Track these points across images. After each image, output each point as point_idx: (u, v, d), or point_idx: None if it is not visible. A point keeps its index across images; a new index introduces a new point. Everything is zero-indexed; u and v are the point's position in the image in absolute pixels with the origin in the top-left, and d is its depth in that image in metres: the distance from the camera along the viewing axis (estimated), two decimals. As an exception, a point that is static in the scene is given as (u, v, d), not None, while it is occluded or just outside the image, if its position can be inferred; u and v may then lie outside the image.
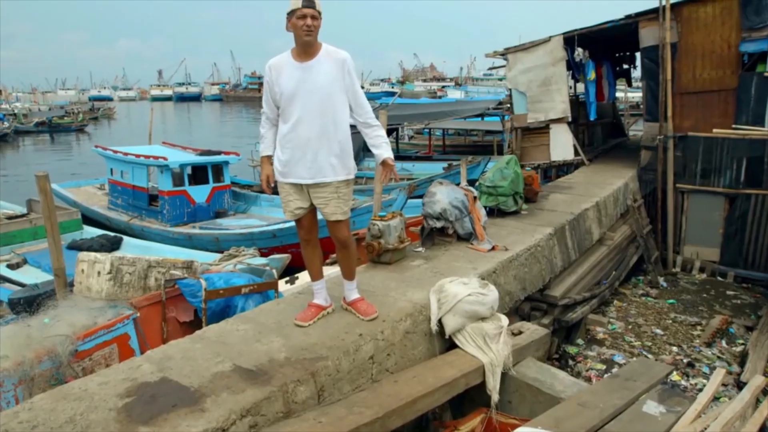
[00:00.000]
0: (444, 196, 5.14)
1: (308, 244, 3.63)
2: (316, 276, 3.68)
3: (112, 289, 4.24)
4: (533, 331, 4.35)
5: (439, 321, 3.82)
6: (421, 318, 3.83)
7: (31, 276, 7.54)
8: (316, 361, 3.10)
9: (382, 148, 3.44)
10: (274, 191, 3.59)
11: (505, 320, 3.91)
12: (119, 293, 4.23)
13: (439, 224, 5.16)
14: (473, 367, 3.60)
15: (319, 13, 3.20)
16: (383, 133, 3.48)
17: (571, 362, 5.80)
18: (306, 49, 3.22)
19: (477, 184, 6.89)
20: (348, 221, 3.54)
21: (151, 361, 3.10)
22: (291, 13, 3.17)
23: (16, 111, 46.39)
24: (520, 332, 4.30)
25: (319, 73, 3.24)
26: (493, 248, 5.10)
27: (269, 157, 3.51)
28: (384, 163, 3.46)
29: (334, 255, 6.98)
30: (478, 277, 4.29)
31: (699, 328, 6.82)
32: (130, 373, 2.97)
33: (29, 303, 4.56)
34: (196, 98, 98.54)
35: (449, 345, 3.91)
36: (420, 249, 5.14)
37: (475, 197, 5.45)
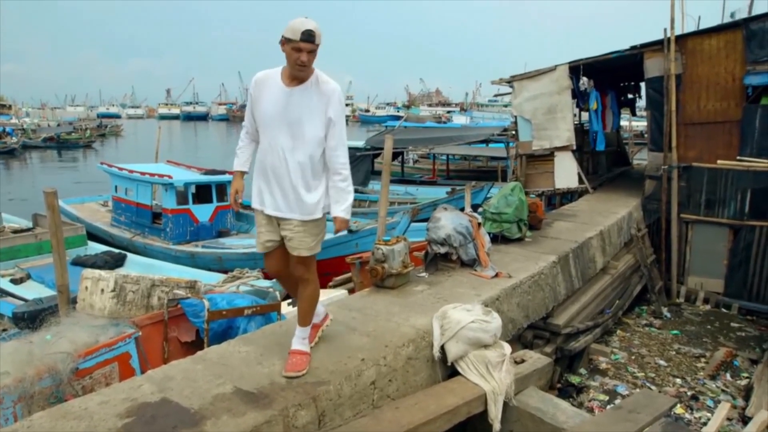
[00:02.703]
0: (448, 222, 5.15)
1: (281, 281, 3.43)
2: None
3: (114, 307, 4.24)
4: (536, 359, 4.33)
5: (442, 347, 3.80)
6: (424, 344, 3.81)
7: (34, 291, 7.54)
8: (317, 386, 3.08)
9: (337, 204, 3.15)
10: (245, 208, 3.51)
11: (507, 348, 3.89)
12: (122, 311, 4.23)
13: (443, 250, 5.17)
14: (475, 395, 3.57)
15: (318, 46, 2.96)
16: (346, 186, 3.15)
17: (573, 392, 5.74)
18: (296, 77, 3.02)
19: (481, 210, 6.91)
20: (313, 259, 3.27)
21: (152, 381, 3.09)
22: (287, 40, 2.91)
23: (25, 126, 46.88)
24: (523, 360, 4.27)
25: (301, 102, 3.02)
26: (496, 275, 5.09)
27: (242, 173, 3.35)
28: (335, 219, 3.17)
29: (338, 277, 7.00)
30: (481, 303, 4.28)
31: (703, 360, 6.76)
32: (130, 392, 2.95)
33: (32, 318, 4.57)
34: (203, 117, 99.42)
35: (451, 372, 3.88)
36: (423, 274, 5.14)
37: (479, 223, 5.47)
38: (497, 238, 6.31)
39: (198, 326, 4.18)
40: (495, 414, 3.59)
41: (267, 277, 6.07)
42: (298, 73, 2.97)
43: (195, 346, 4.29)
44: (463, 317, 3.78)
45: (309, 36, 2.87)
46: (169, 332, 4.20)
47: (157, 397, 2.90)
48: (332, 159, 3.13)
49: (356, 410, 3.23)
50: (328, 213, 3.22)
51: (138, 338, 3.93)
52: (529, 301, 5.19)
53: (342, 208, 3.14)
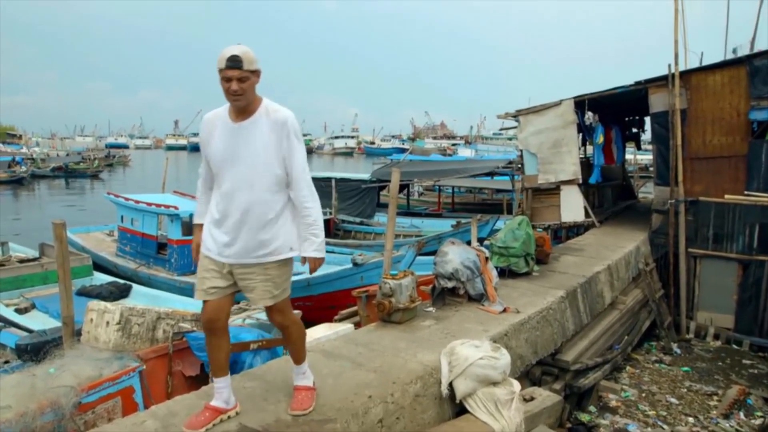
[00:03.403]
0: (456, 256, 5.12)
1: (213, 334, 2.95)
2: (219, 371, 3.01)
3: (119, 340, 4.20)
4: (545, 397, 4.25)
5: (450, 384, 3.74)
6: (432, 381, 3.75)
7: (38, 321, 7.49)
8: (323, 423, 3.02)
9: (306, 243, 2.92)
10: None
11: (517, 386, 3.82)
12: (127, 344, 4.19)
13: (450, 284, 5.13)
14: (484, 434, 3.49)
15: (253, 72, 2.73)
16: (315, 221, 2.93)
17: (583, 431, 5.60)
18: (240, 110, 2.80)
19: (488, 243, 6.88)
20: (285, 302, 3.03)
21: (156, 417, 3.04)
22: (219, 72, 2.72)
23: (34, 155, 47.42)
24: (532, 398, 4.20)
25: (252, 137, 2.79)
26: (504, 310, 5.04)
27: (202, 226, 3.04)
28: (303, 259, 2.96)
29: (343, 311, 6.93)
30: (489, 339, 4.22)
31: (716, 398, 6.61)
32: (133, 429, 2.91)
33: (36, 350, 4.52)
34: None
35: (459, 410, 3.81)
36: (431, 309, 5.09)
37: (486, 258, 5.44)
38: (504, 273, 6.27)
39: (203, 360, 4.13)
40: (505, 454, 3.51)
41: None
42: (235, 104, 2.77)
43: (199, 380, 4.24)
44: (471, 354, 3.73)
45: (234, 62, 2.67)
46: (173, 366, 4.15)
47: (160, 434, 2.85)
48: (295, 196, 2.91)
49: (363, 449, 3.16)
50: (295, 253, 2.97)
51: (142, 372, 3.89)
52: (537, 336, 5.12)
53: (313, 248, 2.92)
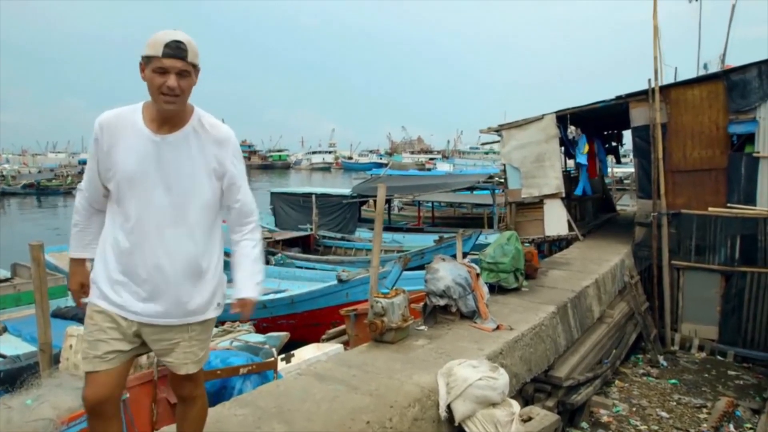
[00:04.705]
0: (447, 273, 5.05)
1: (103, 418, 2.25)
2: None
3: (101, 367, 4.00)
4: (543, 416, 4.16)
5: (448, 406, 3.63)
6: (430, 403, 3.65)
7: (11, 345, 7.17)
8: (322, 453, 2.89)
9: (249, 280, 2.36)
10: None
11: (516, 406, 3.74)
12: (109, 372, 3.99)
13: (442, 302, 5.04)
14: (485, 458, 3.39)
15: (195, 68, 2.15)
16: (260, 253, 2.44)
17: (577, 448, 5.54)
18: (167, 117, 2.17)
19: (475, 258, 6.83)
20: (201, 374, 2.47)
21: (143, 450, 2.87)
22: (147, 60, 2.09)
23: (4, 173, 46.33)
24: (530, 418, 4.11)
25: (183, 157, 2.17)
26: (497, 327, 4.97)
27: (84, 261, 2.41)
28: (241, 301, 2.37)
29: (330, 330, 6.79)
30: (485, 358, 4.14)
31: (705, 410, 6.62)
32: (120, 464, 2.73)
33: (11, 378, 4.30)
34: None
35: (458, 432, 3.71)
36: (423, 327, 4.99)
37: (477, 274, 5.37)
38: (494, 288, 6.21)
39: (190, 386, 3.95)
40: (506, 478, 3.41)
41: (260, 331, 5.87)
42: (166, 108, 2.10)
43: (185, 407, 4.06)
44: (469, 374, 3.64)
45: (177, 49, 2.06)
46: (158, 393, 3.97)
47: (149, 469, 2.69)
48: (241, 225, 2.39)
49: (362, 478, 3.04)
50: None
51: (125, 401, 3.69)
52: (531, 354, 5.05)
53: (258, 287, 2.39)
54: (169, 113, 2.14)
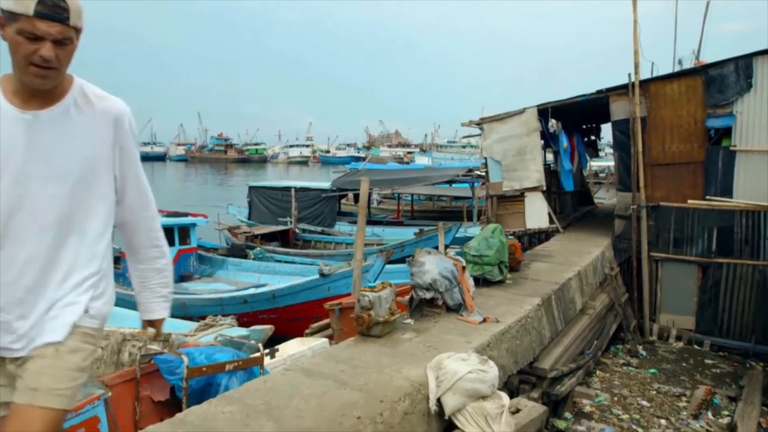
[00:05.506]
0: (434, 266, 5.02)
1: None
2: None
3: (81, 366, 3.89)
4: (531, 408, 4.18)
5: (438, 400, 3.61)
6: (420, 397, 3.61)
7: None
8: (313, 450, 2.84)
9: (156, 298, 2.08)
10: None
11: (506, 398, 3.73)
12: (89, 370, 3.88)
13: (428, 295, 5.01)
14: (476, 451, 3.38)
15: (78, 32, 1.68)
16: (167, 264, 2.11)
17: (561, 439, 5.58)
18: (36, 88, 1.69)
19: (460, 251, 6.82)
20: (63, 416, 1.77)
21: (129, 451, 2.79)
22: (10, 17, 1.59)
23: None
24: (518, 410, 4.11)
25: (65, 138, 1.72)
26: (484, 320, 4.96)
27: None
28: (151, 324, 2.12)
29: (314, 324, 6.72)
30: (473, 351, 4.12)
31: (684, 398, 6.74)
32: (104, 465, 2.65)
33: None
34: (161, 158, 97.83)
35: (447, 426, 3.68)
36: (409, 320, 4.96)
37: (463, 267, 5.36)
38: (478, 281, 6.20)
39: (174, 384, 3.87)
40: (497, 471, 3.40)
41: (243, 324, 5.78)
42: (36, 82, 1.65)
43: (169, 405, 3.97)
44: (459, 368, 3.61)
45: (56, 8, 1.59)
46: (141, 391, 3.87)
47: (135, 470, 2.61)
48: (140, 223, 1.99)
49: (354, 474, 2.99)
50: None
51: (107, 399, 3.59)
52: (517, 346, 5.06)
53: (165, 305, 2.10)
54: (41, 88, 1.68)
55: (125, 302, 10.23)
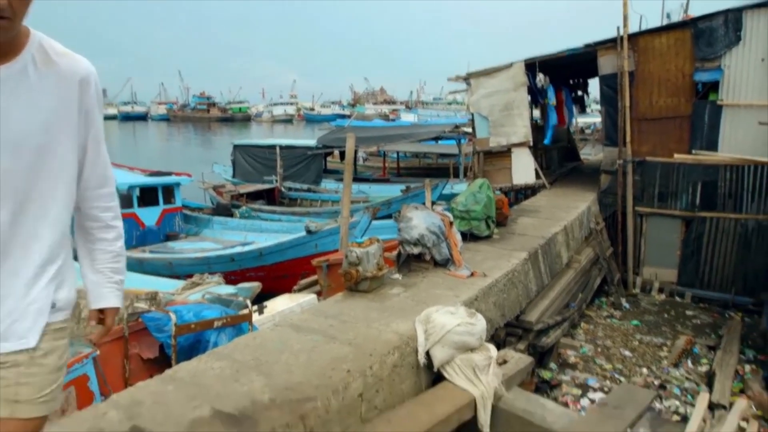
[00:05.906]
0: (421, 222, 5.00)
1: None
2: None
3: (67, 325, 3.86)
4: (518, 359, 4.24)
5: (427, 353, 3.65)
6: (408, 350, 3.64)
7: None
8: (304, 402, 2.86)
9: (107, 284, 1.80)
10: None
11: (493, 350, 3.78)
12: (76, 329, 3.85)
13: (416, 250, 5.01)
14: (465, 401, 3.43)
15: None
16: (122, 248, 1.85)
17: (547, 388, 5.72)
18: None
19: (447, 206, 6.82)
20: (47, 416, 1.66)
21: (119, 407, 2.78)
22: None
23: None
24: (505, 361, 4.17)
25: (22, 99, 1.49)
26: (471, 274, 4.99)
27: None
28: (102, 314, 1.83)
29: (302, 280, 6.73)
30: (461, 304, 4.15)
31: (665, 348, 6.92)
32: (95, 422, 2.64)
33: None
34: (143, 117, 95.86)
35: (436, 377, 3.74)
36: (397, 276, 4.97)
37: (451, 222, 5.35)
38: (466, 236, 6.22)
39: (162, 341, 3.87)
40: (485, 419, 3.47)
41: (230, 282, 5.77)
42: None
43: (158, 362, 3.98)
44: (448, 321, 3.64)
45: None
46: (130, 349, 3.87)
47: (126, 426, 2.61)
48: (95, 201, 1.74)
49: (344, 425, 3.03)
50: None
51: (96, 358, 3.59)
52: (504, 299, 5.11)
53: (117, 293, 1.83)
54: None
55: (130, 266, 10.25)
